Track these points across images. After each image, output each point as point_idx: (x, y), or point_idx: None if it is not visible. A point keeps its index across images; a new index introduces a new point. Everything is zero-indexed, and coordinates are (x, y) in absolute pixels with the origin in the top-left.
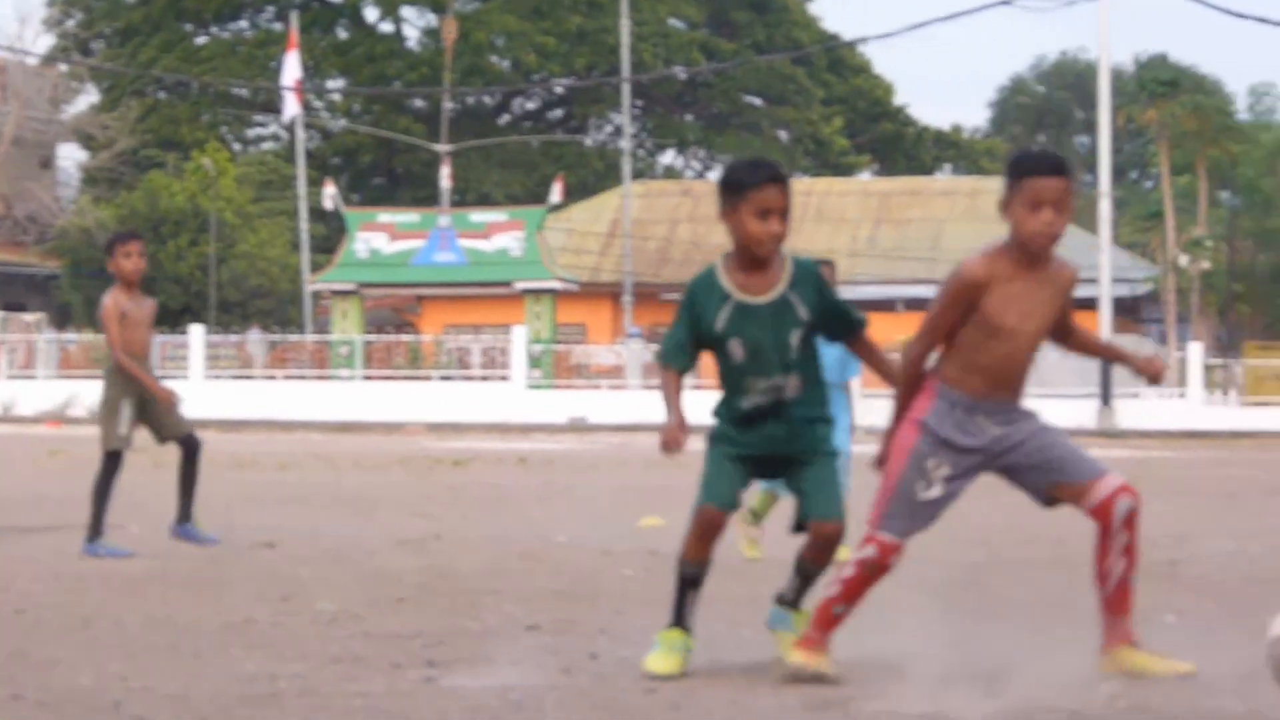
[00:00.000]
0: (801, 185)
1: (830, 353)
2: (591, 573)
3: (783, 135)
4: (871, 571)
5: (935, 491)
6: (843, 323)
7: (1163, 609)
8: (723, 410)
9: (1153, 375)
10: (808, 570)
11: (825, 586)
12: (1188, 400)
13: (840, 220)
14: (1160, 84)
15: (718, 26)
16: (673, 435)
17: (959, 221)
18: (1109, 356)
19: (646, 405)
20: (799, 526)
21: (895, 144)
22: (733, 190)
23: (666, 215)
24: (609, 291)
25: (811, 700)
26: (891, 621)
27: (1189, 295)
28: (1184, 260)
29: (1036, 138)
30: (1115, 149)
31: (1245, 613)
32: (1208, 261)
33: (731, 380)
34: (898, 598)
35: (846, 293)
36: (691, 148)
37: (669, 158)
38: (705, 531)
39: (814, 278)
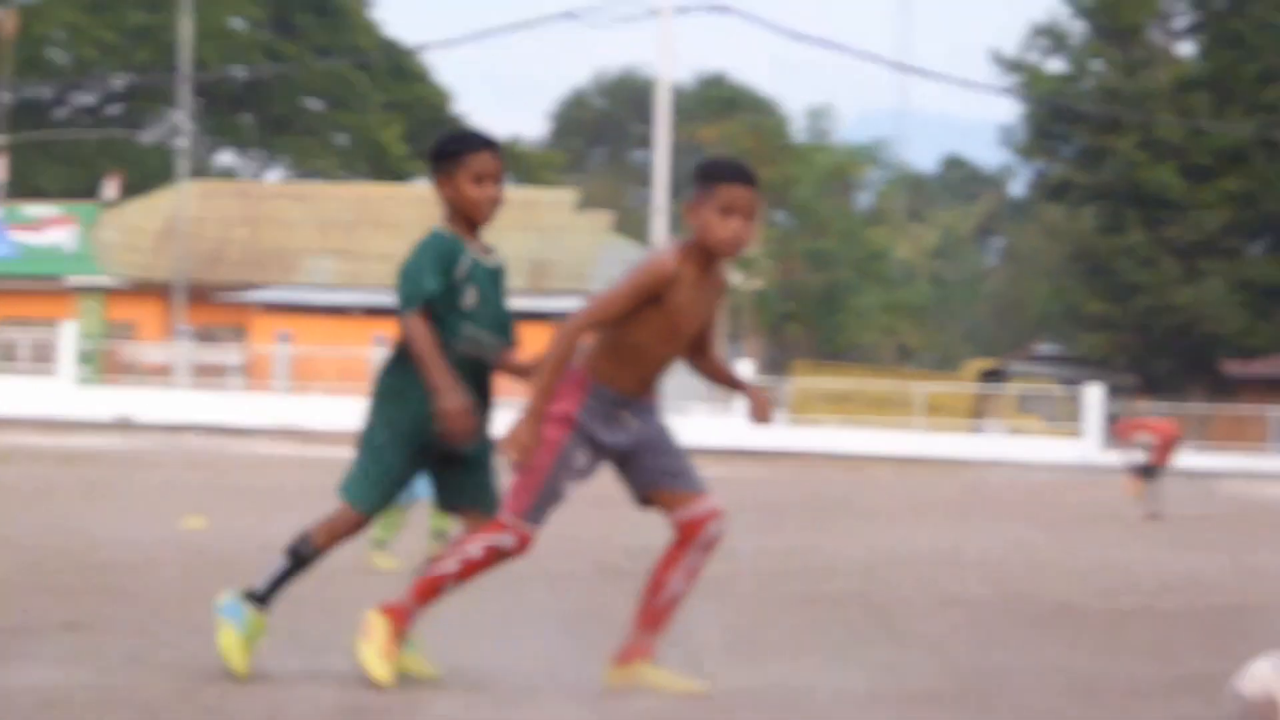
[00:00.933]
0: (359, 191)
1: None
2: (132, 571)
3: (343, 139)
4: (500, 559)
5: (571, 486)
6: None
7: (705, 625)
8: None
9: (759, 416)
10: None
11: (439, 561)
12: (735, 418)
13: (397, 226)
14: (719, 103)
15: (281, 28)
16: (462, 416)
17: (515, 231)
18: (732, 385)
19: (195, 404)
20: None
21: None
22: (449, 158)
23: (222, 215)
24: (161, 290)
25: (347, 706)
26: (431, 631)
27: (742, 313)
28: (737, 278)
29: (595, 150)
30: (673, 165)
31: (786, 630)
32: (761, 280)
33: (451, 325)
34: (435, 609)
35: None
36: (250, 148)
37: (227, 157)
38: (349, 534)
39: (503, 266)
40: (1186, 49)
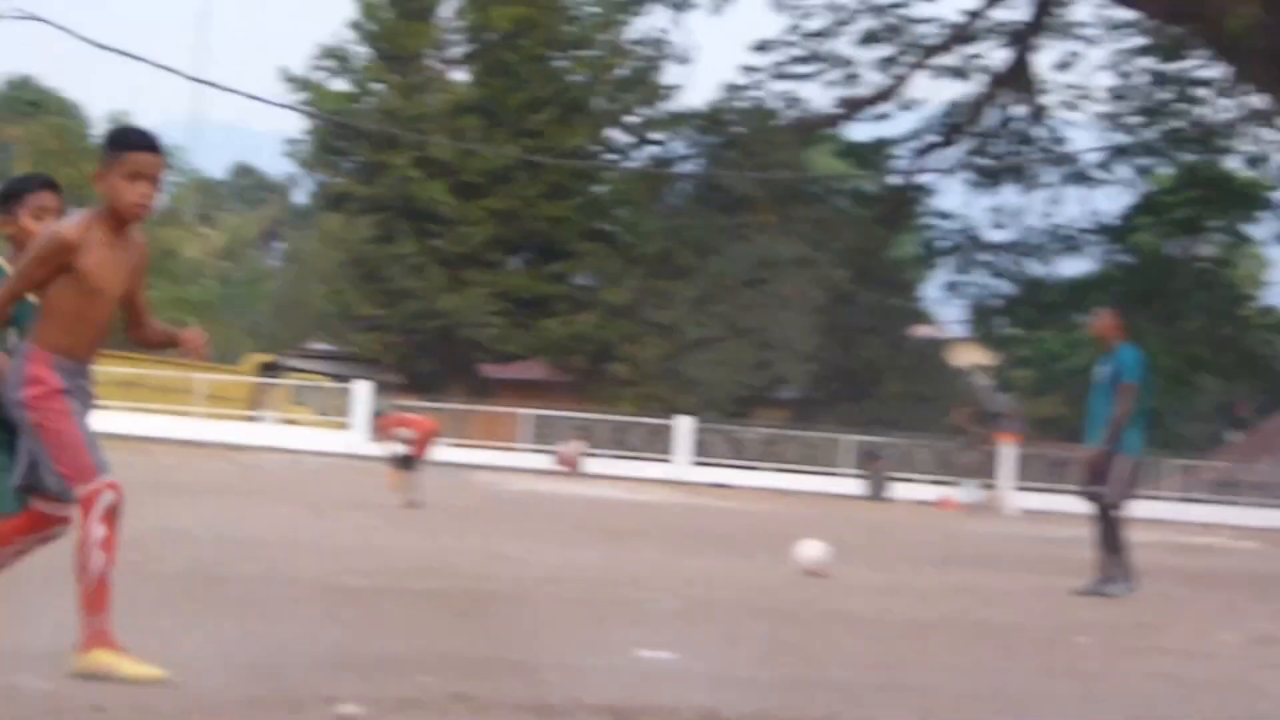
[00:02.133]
0: None
1: None
2: None
3: None
4: (118, 515)
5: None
6: None
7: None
8: None
9: (195, 351)
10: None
11: (82, 568)
12: None
13: None
14: (26, 104)
15: None
16: None
17: None
18: (167, 340)
19: None
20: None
21: None
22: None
23: None
24: None
25: None
26: None
27: None
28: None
29: None
30: None
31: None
32: None
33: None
34: None
35: None
36: None
37: None
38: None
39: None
40: (461, 76)
